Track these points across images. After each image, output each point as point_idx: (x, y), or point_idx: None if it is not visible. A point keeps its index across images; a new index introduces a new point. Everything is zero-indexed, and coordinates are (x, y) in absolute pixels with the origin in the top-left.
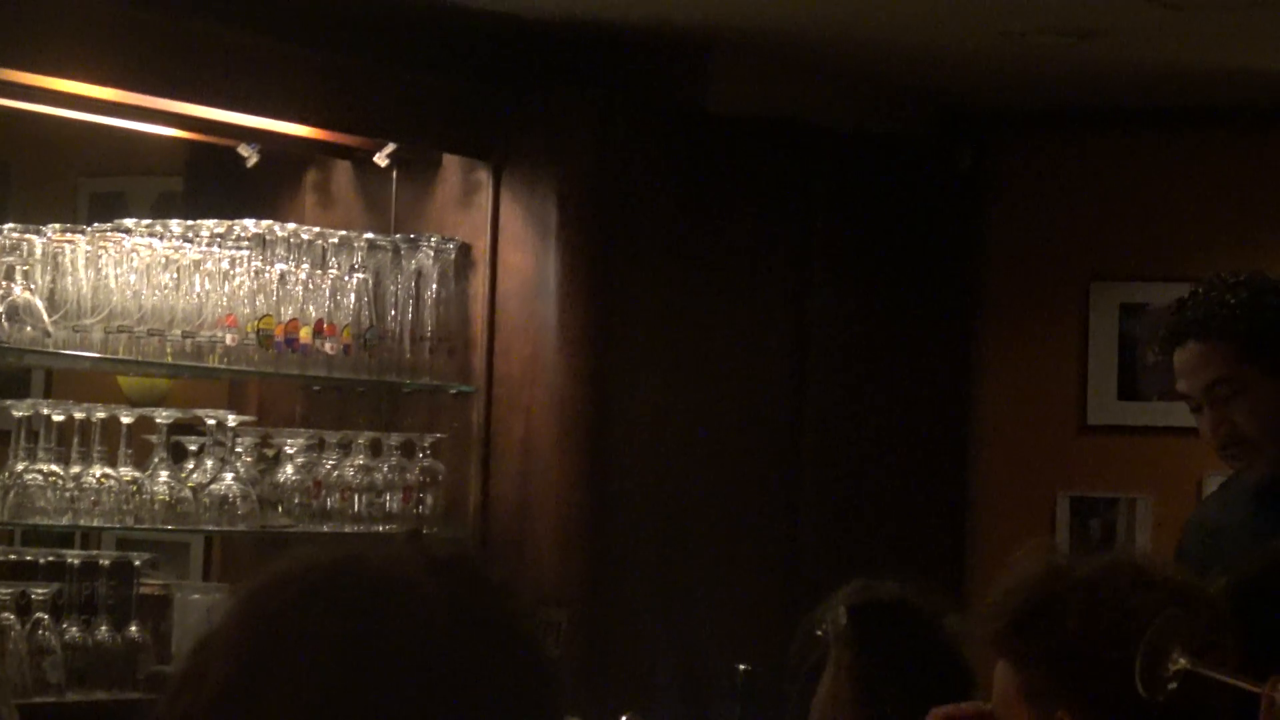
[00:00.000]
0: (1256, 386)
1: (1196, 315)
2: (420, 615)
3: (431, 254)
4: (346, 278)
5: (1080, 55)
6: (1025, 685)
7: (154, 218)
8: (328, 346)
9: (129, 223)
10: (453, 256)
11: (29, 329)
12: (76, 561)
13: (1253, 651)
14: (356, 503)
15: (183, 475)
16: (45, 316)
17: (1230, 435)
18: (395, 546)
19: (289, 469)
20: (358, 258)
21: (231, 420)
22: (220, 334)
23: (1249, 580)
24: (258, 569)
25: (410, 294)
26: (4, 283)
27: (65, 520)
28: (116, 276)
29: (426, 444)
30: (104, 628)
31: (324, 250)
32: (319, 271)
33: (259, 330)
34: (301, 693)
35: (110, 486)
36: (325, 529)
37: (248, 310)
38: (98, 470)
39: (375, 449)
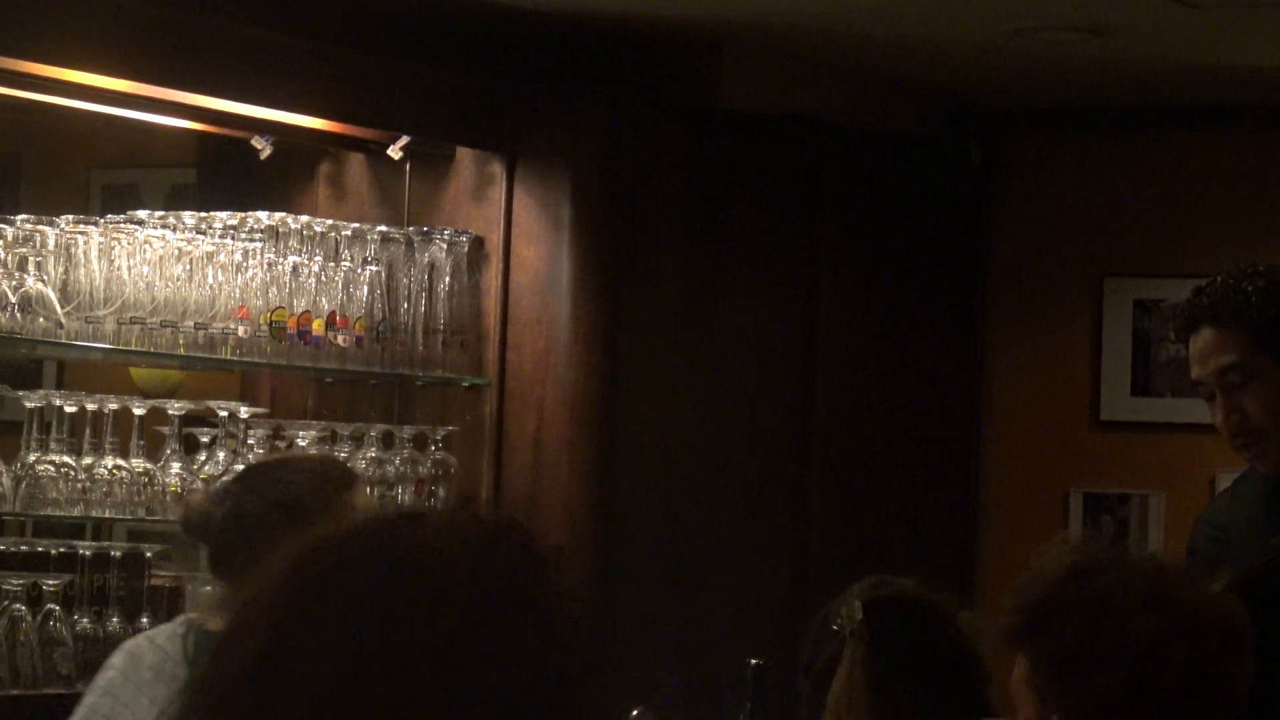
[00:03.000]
0: (1268, 374)
1: (1212, 301)
2: (450, 593)
3: (445, 247)
4: (359, 270)
5: (1092, 52)
6: (1027, 674)
7: (167, 209)
8: (340, 339)
9: (142, 214)
10: (466, 249)
11: (42, 320)
12: (88, 553)
13: (1256, 649)
14: (368, 495)
15: (195, 467)
16: (58, 308)
17: (1241, 423)
18: (445, 515)
19: None
20: (371, 250)
21: (244, 412)
22: (233, 326)
23: (1252, 577)
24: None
25: (423, 287)
26: (17, 274)
27: (77, 511)
28: (129, 268)
29: (439, 437)
30: (115, 619)
31: (337, 243)
32: (332, 264)
33: (272, 322)
34: (326, 663)
35: (122, 478)
36: None
37: (260, 302)
38: (110, 461)
39: (387, 441)
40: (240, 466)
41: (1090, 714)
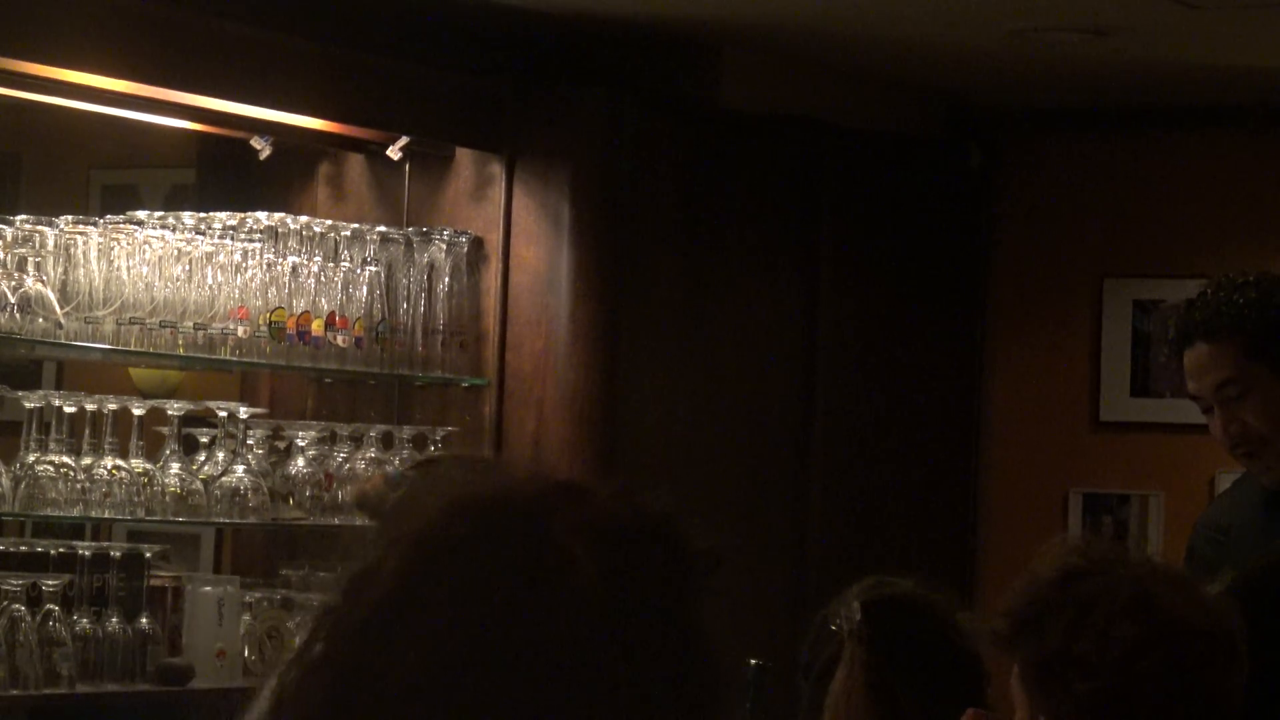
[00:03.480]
0: (1265, 385)
1: (1204, 316)
2: (573, 598)
3: (444, 247)
4: (359, 270)
5: (1092, 53)
6: (1019, 674)
7: (166, 210)
8: (340, 339)
9: (141, 215)
10: (465, 250)
11: (41, 320)
12: (87, 553)
13: (1255, 651)
14: None
15: (194, 467)
16: (57, 308)
17: (1241, 435)
18: (605, 503)
19: (300, 461)
20: (370, 251)
21: (243, 412)
22: (232, 326)
23: (1251, 580)
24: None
25: (422, 287)
26: (16, 274)
27: (76, 512)
28: (129, 268)
29: (438, 437)
30: (115, 619)
31: (336, 243)
32: (331, 264)
33: (271, 322)
34: (429, 645)
35: (121, 478)
36: (336, 521)
37: (260, 302)
38: (109, 462)
39: (387, 442)
40: (240, 467)
41: (1072, 718)
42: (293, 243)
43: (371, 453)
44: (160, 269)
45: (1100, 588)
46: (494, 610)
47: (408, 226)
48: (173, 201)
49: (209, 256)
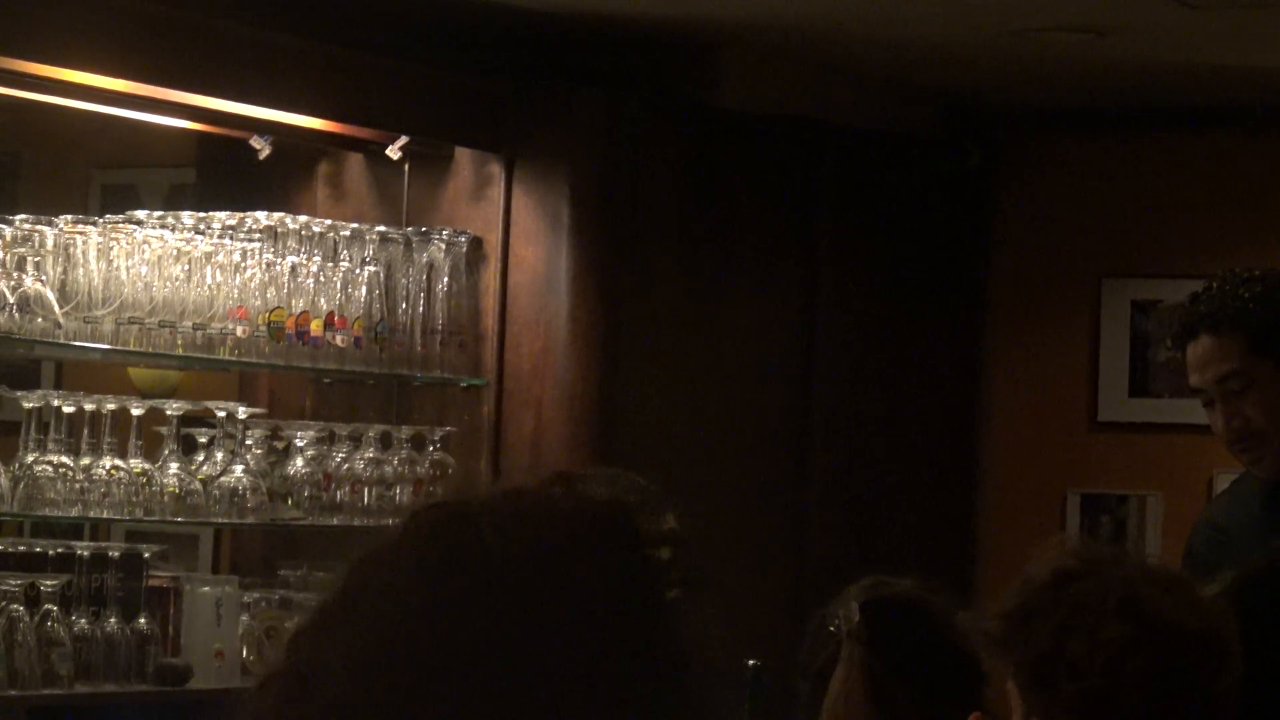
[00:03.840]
0: (1268, 380)
1: (1209, 309)
2: (473, 588)
3: (443, 247)
4: (358, 270)
5: (1092, 53)
6: (1014, 679)
7: (165, 209)
8: (339, 339)
9: (140, 214)
10: (464, 250)
11: (40, 320)
12: (86, 553)
13: (1254, 651)
14: (366, 495)
15: (193, 467)
16: (56, 308)
17: (1242, 429)
18: (546, 486)
19: (299, 461)
20: (369, 250)
21: (242, 412)
22: (231, 326)
23: (1251, 579)
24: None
25: (421, 287)
26: (15, 274)
27: (75, 512)
28: (128, 268)
29: (437, 437)
30: (113, 620)
31: (335, 243)
32: (330, 264)
33: (270, 322)
34: (353, 651)
35: (120, 478)
36: (335, 522)
37: (259, 302)
38: (107, 462)
39: (385, 442)
40: (239, 467)
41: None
42: (292, 242)
43: (370, 453)
44: (159, 269)
45: (1091, 589)
46: (413, 609)
47: (407, 226)
48: (172, 201)
49: (208, 256)
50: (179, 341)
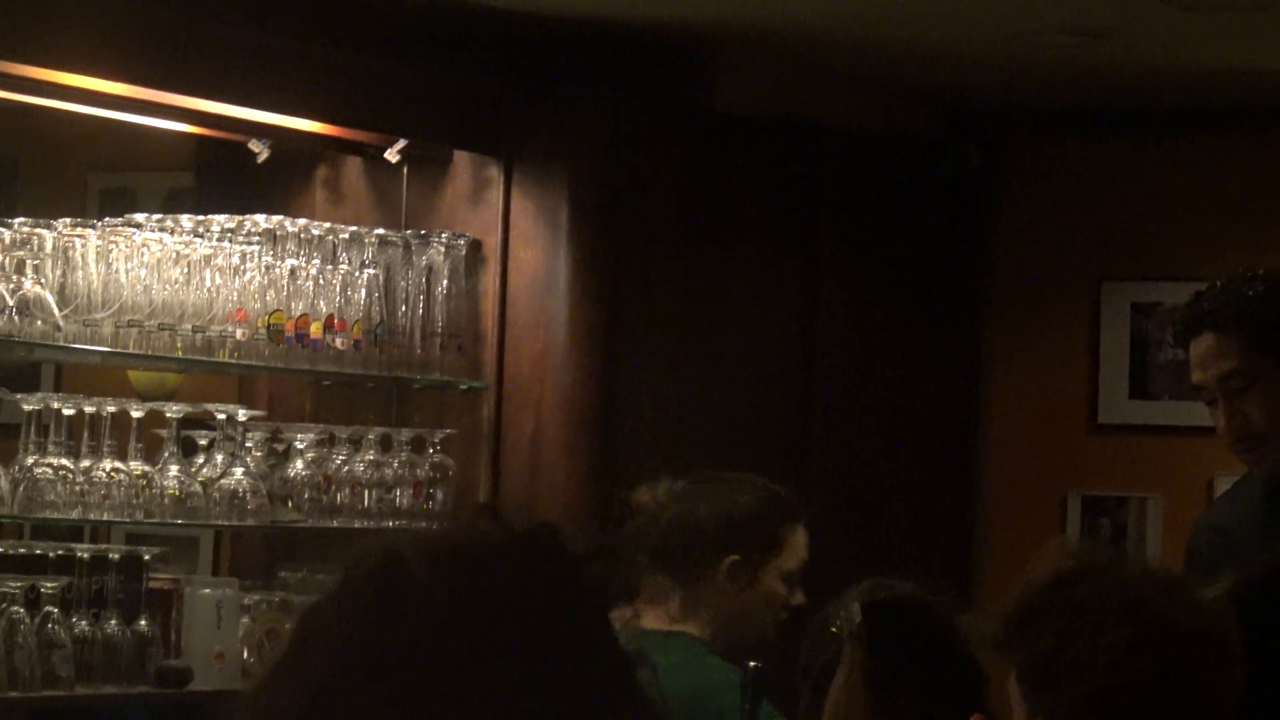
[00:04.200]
0: (1270, 378)
1: (1213, 307)
2: (410, 622)
3: (442, 250)
4: (357, 273)
5: (1090, 55)
6: (1016, 675)
7: (164, 213)
8: (338, 342)
9: (139, 217)
10: (463, 252)
11: (39, 323)
12: (86, 555)
13: (1255, 653)
14: (366, 498)
15: (193, 470)
16: (56, 311)
17: (1243, 428)
18: (473, 520)
19: (299, 464)
20: (368, 253)
21: (242, 415)
22: (231, 329)
23: (1253, 582)
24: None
25: (421, 290)
26: (15, 277)
27: (75, 514)
28: (127, 271)
29: (436, 439)
30: (113, 622)
31: (335, 246)
32: (329, 267)
33: (269, 325)
34: (302, 698)
35: (120, 481)
36: (335, 524)
37: (258, 305)
38: (107, 464)
39: (385, 444)
40: (238, 469)
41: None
42: (291, 245)
43: (370, 455)
44: (158, 272)
45: (1092, 591)
46: (357, 651)
47: (406, 229)
48: (171, 204)
49: (207, 259)
50: (178, 344)
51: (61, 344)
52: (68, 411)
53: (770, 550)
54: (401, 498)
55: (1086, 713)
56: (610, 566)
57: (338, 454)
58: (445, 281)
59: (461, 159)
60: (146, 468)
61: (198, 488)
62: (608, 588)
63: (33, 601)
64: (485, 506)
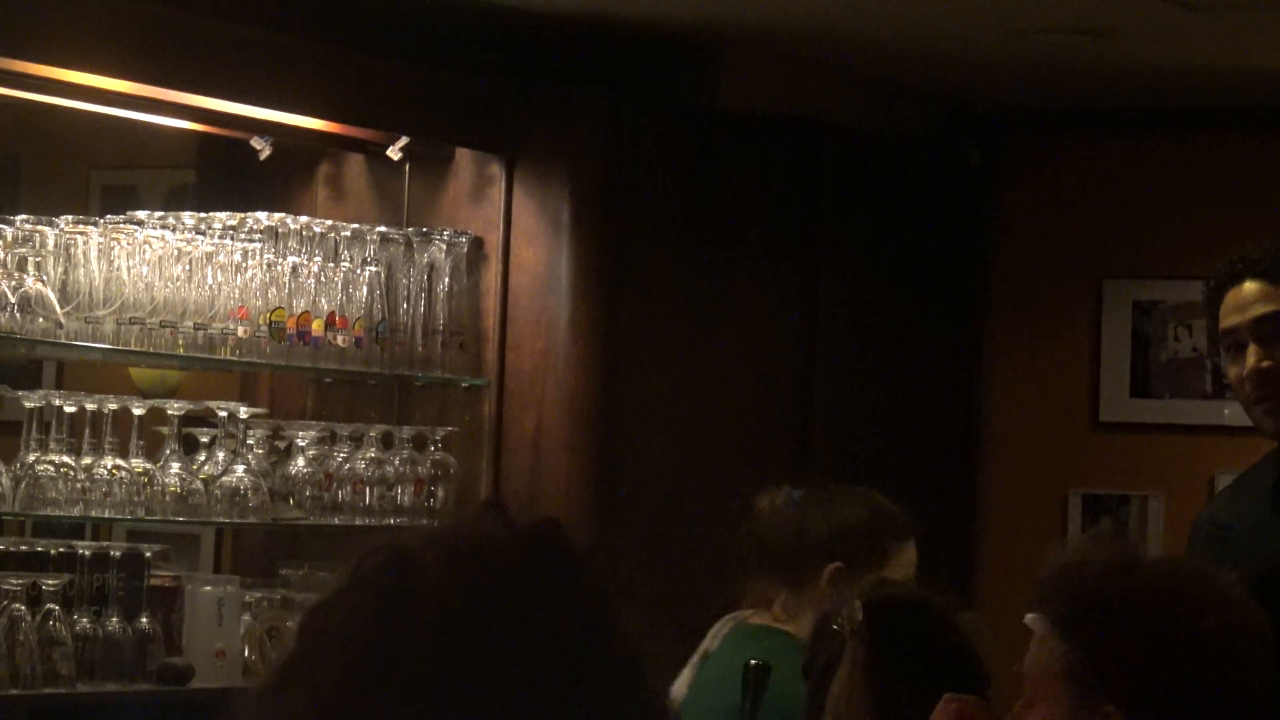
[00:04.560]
0: None
1: (1259, 256)
2: (421, 617)
3: (444, 248)
4: (359, 271)
5: (1092, 54)
6: (1070, 664)
7: (166, 210)
8: (340, 339)
9: (141, 215)
10: (465, 250)
11: (41, 320)
12: (87, 553)
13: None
14: (368, 495)
15: (194, 467)
16: (57, 308)
17: (1270, 371)
18: (479, 517)
19: (300, 461)
20: (370, 251)
21: (243, 412)
22: (232, 326)
23: (1259, 579)
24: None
25: (422, 287)
26: (16, 274)
27: (76, 511)
28: (129, 268)
29: (438, 437)
30: (114, 619)
31: (336, 243)
32: (331, 264)
33: (271, 322)
34: (314, 700)
35: (121, 478)
36: (336, 521)
37: (260, 302)
38: (109, 462)
39: (387, 442)
40: (240, 466)
41: (1156, 710)
42: (293, 243)
43: (371, 453)
44: (160, 269)
45: (1165, 578)
46: (373, 648)
47: (407, 227)
48: (172, 202)
49: (209, 256)
50: (180, 341)
51: (63, 341)
52: (69, 409)
53: (875, 561)
54: (403, 495)
55: (1182, 698)
56: (612, 562)
57: (339, 451)
58: (447, 279)
59: (463, 156)
60: (148, 465)
61: (199, 485)
62: (607, 581)
63: (34, 599)
64: (490, 503)
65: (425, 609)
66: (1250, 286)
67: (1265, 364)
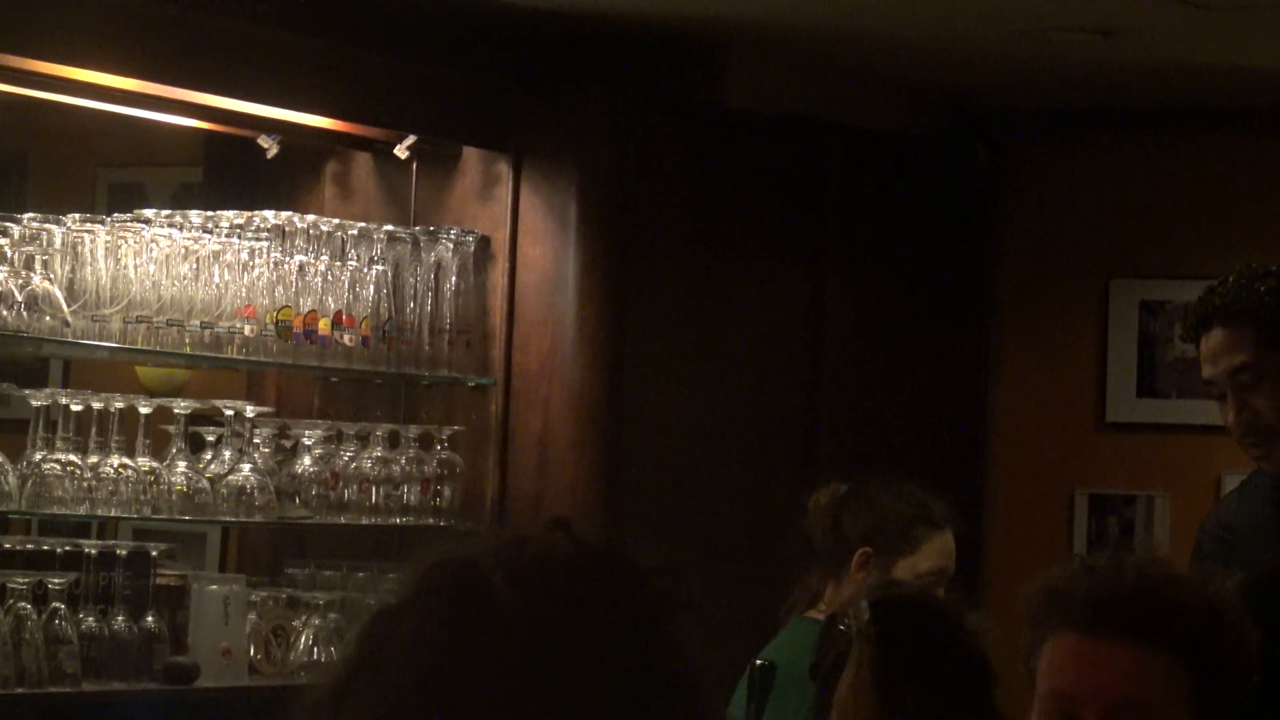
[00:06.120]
0: (1279, 374)
1: (1224, 301)
2: (484, 629)
3: (451, 246)
4: (365, 269)
5: (1100, 53)
6: (1194, 691)
7: (173, 208)
8: (346, 338)
9: (148, 213)
10: (472, 249)
11: (48, 318)
12: (94, 551)
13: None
14: (374, 494)
15: (200, 466)
16: (64, 306)
17: (1252, 423)
18: (547, 533)
19: (306, 460)
20: (377, 250)
21: (249, 411)
22: (239, 325)
23: (1263, 579)
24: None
25: (429, 286)
26: (23, 272)
27: (83, 510)
28: (135, 267)
29: (444, 436)
30: (120, 618)
31: (343, 242)
32: (338, 263)
33: (278, 321)
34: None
35: (128, 476)
36: (342, 520)
37: (266, 301)
38: (115, 460)
39: (393, 441)
40: (246, 465)
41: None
42: (300, 241)
43: (378, 452)
44: (167, 267)
45: (1222, 589)
46: (439, 664)
47: (414, 225)
48: (180, 200)
49: (216, 255)
50: (186, 340)
51: (70, 339)
52: (75, 407)
53: (905, 548)
54: (409, 494)
55: (1239, 708)
56: (676, 579)
57: (345, 450)
58: (454, 278)
59: (470, 155)
60: (154, 464)
61: (205, 484)
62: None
63: (40, 597)
64: (558, 519)
65: (493, 628)
66: (1218, 335)
67: (1245, 415)
